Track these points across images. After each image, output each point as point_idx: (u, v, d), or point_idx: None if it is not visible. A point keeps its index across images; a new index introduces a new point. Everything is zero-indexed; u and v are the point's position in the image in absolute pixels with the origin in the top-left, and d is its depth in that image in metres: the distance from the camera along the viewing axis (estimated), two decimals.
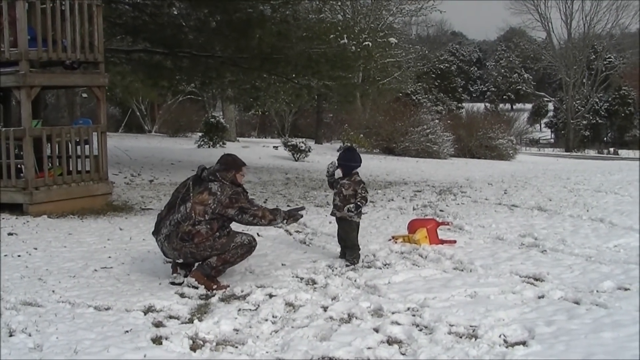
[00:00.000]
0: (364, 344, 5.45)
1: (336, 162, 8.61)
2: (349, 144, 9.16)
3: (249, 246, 7.41)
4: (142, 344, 5.44)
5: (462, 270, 7.95)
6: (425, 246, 9.08)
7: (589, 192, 15.39)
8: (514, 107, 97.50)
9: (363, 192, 8.37)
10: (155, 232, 7.49)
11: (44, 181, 12.44)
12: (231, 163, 7.50)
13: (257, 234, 9.79)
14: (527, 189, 16.35)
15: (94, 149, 13.40)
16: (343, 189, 8.41)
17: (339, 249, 8.74)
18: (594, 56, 79.21)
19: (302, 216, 8.02)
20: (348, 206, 8.30)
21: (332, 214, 8.64)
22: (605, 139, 78.15)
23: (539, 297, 6.71)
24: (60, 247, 9.38)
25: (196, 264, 7.38)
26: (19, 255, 8.71)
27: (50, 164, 12.85)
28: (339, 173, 8.49)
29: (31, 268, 8.05)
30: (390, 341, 5.60)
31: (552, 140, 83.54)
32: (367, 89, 42.80)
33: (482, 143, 40.17)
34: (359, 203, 8.31)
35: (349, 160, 8.47)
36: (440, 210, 12.89)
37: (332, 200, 8.64)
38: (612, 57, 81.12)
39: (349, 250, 8.46)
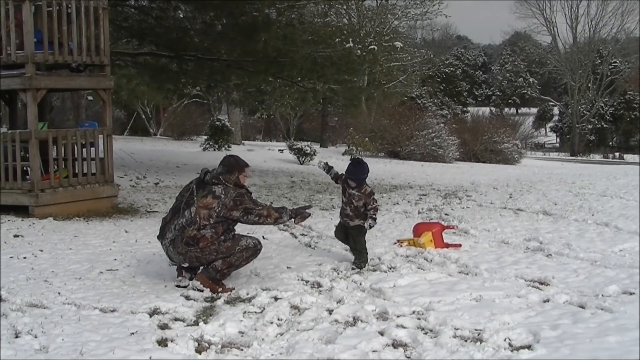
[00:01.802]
0: (369, 347, 5.45)
1: (323, 163, 8.77)
2: (356, 157, 9.21)
3: (254, 249, 7.41)
4: (147, 346, 5.45)
5: (467, 274, 7.95)
6: (430, 250, 9.08)
7: (594, 196, 15.37)
8: (519, 111, 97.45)
9: (373, 203, 8.44)
10: (160, 237, 7.49)
11: (50, 183, 12.46)
12: (234, 165, 7.47)
13: (263, 236, 9.82)
14: (532, 193, 16.33)
15: (100, 151, 13.42)
16: (353, 200, 8.46)
17: (344, 252, 8.79)
18: (599, 60, 79.19)
19: (309, 215, 7.97)
20: (368, 222, 8.37)
21: (345, 223, 8.64)
22: (610, 143, 78.03)
23: (544, 301, 6.70)
24: (66, 249, 9.40)
25: (201, 267, 7.38)
26: (24, 257, 8.74)
27: (56, 167, 12.88)
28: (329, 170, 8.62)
29: (37, 270, 8.07)
30: (396, 344, 5.60)
31: (558, 145, 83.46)
32: (373, 93, 42.83)
33: (487, 147, 40.15)
34: (374, 216, 8.44)
35: (359, 174, 8.50)
36: (446, 214, 12.89)
37: (342, 209, 8.66)
38: (617, 61, 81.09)
39: (357, 253, 8.47)
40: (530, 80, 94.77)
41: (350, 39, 21.82)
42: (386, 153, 38.25)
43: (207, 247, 7.17)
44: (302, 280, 7.75)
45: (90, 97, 40.88)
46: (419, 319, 6.20)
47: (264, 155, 31.86)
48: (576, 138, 73.27)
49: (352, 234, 8.55)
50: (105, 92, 13.44)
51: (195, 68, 20.84)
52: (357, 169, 8.53)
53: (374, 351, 5.41)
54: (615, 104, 76.61)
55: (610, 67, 79.28)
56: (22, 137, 12.28)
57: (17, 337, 5.61)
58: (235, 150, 30.57)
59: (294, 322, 6.16)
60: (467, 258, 8.67)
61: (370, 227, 8.44)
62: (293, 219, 7.73)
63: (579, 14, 76.95)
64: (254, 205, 7.34)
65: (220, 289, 7.19)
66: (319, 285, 7.50)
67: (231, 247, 7.24)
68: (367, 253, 8.52)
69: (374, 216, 8.42)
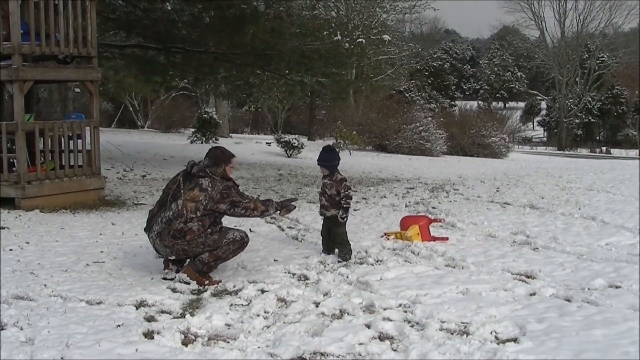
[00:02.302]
0: (355, 340, 5.45)
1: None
2: (328, 145, 9.21)
3: (241, 242, 7.40)
4: (133, 338, 5.44)
5: (454, 267, 7.96)
6: (417, 243, 9.09)
7: (581, 190, 15.42)
8: (507, 105, 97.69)
9: (345, 190, 8.45)
10: (147, 229, 7.47)
11: (37, 175, 12.41)
12: (220, 156, 7.45)
13: (250, 229, 9.81)
14: (520, 187, 16.37)
15: (87, 143, 13.39)
16: (326, 189, 8.52)
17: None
18: (587, 55, 79.46)
19: (295, 207, 8.02)
20: (339, 214, 8.40)
21: (321, 214, 8.67)
22: (597, 137, 78.29)
23: (531, 295, 6.72)
24: (53, 241, 9.36)
25: (188, 260, 7.37)
26: (10, 249, 8.69)
27: (42, 158, 12.83)
28: None
29: (23, 262, 8.04)
30: (382, 337, 5.60)
31: (545, 139, 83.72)
32: (360, 86, 42.77)
33: (474, 141, 40.23)
34: (345, 205, 8.43)
35: (330, 161, 8.57)
36: (433, 208, 12.90)
37: (319, 200, 8.70)
38: (605, 56, 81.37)
39: (340, 246, 8.49)
40: (518, 74, 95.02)
41: (338, 32, 21.77)
42: (374, 146, 38.29)
43: (194, 240, 7.15)
44: (288, 273, 7.75)
45: (77, 89, 40.74)
46: (405, 311, 6.21)
47: (252, 148, 31.83)
48: (563, 132, 73.50)
49: (330, 228, 8.57)
50: (93, 84, 13.38)
51: (183, 60, 20.78)
52: (329, 155, 8.59)
53: (360, 344, 5.41)
54: (602, 98, 76.82)
55: (598, 61, 79.56)
56: (9, 128, 12.22)
57: (2, 329, 5.58)
58: (223, 143, 30.48)
59: (280, 314, 6.16)
60: (454, 251, 8.69)
61: (343, 219, 8.44)
62: (279, 211, 7.76)
63: (567, 8, 77.40)
64: (240, 198, 7.34)
65: (206, 282, 7.19)
66: (306, 278, 7.51)
67: (218, 240, 7.24)
68: (349, 244, 8.53)
69: (345, 205, 8.42)
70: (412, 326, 5.84)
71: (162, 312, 6.25)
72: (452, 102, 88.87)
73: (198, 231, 7.15)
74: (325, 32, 20.93)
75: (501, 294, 6.72)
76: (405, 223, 9.63)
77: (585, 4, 77.54)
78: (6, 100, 13.62)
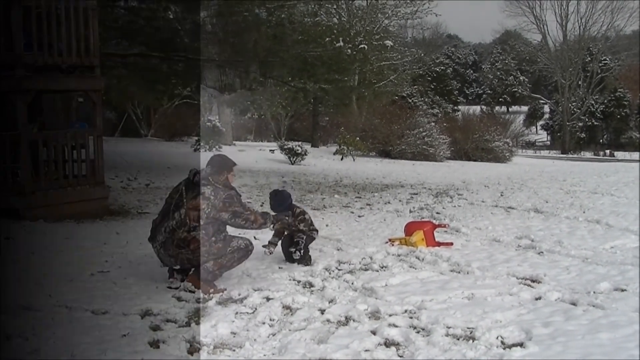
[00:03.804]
0: (361, 347, 5.44)
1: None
2: (272, 190, 9.20)
3: (246, 250, 7.41)
4: (139, 347, 5.44)
5: (459, 272, 7.96)
6: (422, 248, 9.10)
7: (585, 193, 15.41)
8: (510, 109, 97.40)
9: (299, 223, 8.60)
10: (151, 239, 7.47)
11: (41, 185, 12.40)
12: (222, 165, 7.50)
13: (254, 237, 9.79)
14: (524, 191, 16.36)
15: (90, 153, 13.37)
16: (292, 227, 8.60)
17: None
18: (589, 58, 79.29)
19: (287, 218, 8.21)
20: (292, 250, 8.48)
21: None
22: (601, 141, 78.12)
23: (536, 299, 6.72)
24: (57, 251, 9.35)
25: (193, 269, 7.37)
26: (16, 260, 8.68)
27: (46, 168, 12.83)
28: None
29: (28, 272, 8.03)
30: (388, 343, 5.60)
31: (548, 143, 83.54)
32: (363, 92, 42.86)
33: (478, 145, 40.16)
34: (295, 239, 8.51)
35: (282, 203, 8.57)
36: (437, 213, 12.90)
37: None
38: (607, 59, 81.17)
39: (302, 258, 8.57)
40: (521, 78, 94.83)
41: (341, 38, 21.83)
42: (377, 152, 38.26)
43: (198, 249, 7.15)
44: (293, 280, 7.75)
45: (80, 99, 40.78)
46: (411, 317, 6.21)
47: (255, 156, 31.84)
48: (567, 136, 73.42)
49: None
50: (96, 94, 13.38)
51: (186, 68, 20.80)
52: (278, 199, 8.62)
53: (366, 350, 5.41)
54: (605, 101, 76.70)
55: (600, 64, 79.38)
56: (13, 139, 12.22)
57: (8, 339, 5.58)
58: (226, 150, 30.47)
59: (286, 322, 6.16)
60: (458, 256, 8.69)
61: (297, 256, 8.46)
62: (273, 224, 7.88)
63: (569, 11, 77.04)
64: (242, 209, 7.38)
65: (211, 290, 7.18)
66: (311, 285, 7.51)
67: (222, 248, 7.24)
68: (308, 252, 8.61)
69: (296, 239, 8.52)
70: (417, 332, 5.84)
71: (168, 320, 6.24)
72: (455, 107, 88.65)
73: (202, 240, 7.15)
74: (327, 39, 20.99)
75: (507, 299, 6.72)
76: (410, 229, 9.64)
77: (587, 7, 77.47)
78: (9, 110, 13.62)
